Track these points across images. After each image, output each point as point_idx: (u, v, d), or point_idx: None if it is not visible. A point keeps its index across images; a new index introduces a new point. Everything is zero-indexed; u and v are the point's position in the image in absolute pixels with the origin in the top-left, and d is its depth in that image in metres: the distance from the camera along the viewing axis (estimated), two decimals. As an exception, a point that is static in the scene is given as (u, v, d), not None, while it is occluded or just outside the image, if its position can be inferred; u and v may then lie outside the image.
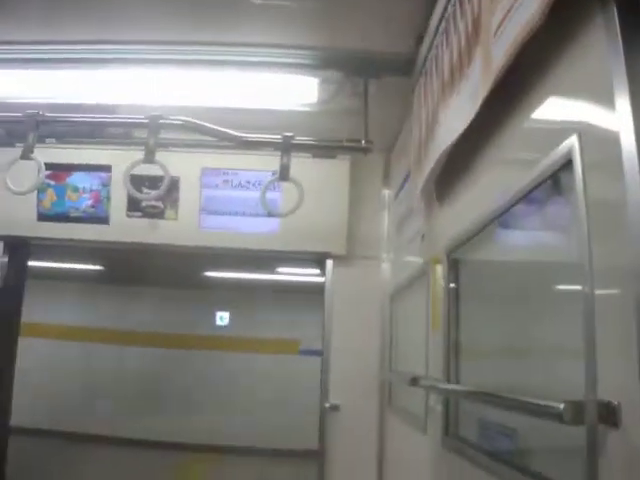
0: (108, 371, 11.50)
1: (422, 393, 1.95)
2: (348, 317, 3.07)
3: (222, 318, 11.55)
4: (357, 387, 2.98)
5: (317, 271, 3.22)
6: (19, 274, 3.72)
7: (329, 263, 3.15)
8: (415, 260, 2.27)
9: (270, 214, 3.23)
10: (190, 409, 11.29)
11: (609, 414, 0.78)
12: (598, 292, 0.90)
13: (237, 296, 11.22)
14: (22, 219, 3.17)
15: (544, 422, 1.06)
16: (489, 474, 1.22)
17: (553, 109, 1.29)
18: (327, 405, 2.92)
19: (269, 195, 3.13)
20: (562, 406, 0.77)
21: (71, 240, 3.23)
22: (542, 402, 0.84)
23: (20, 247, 3.39)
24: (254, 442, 10.82)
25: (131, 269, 9.99)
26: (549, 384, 1.07)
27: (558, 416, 0.78)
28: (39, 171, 3.14)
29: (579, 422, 0.81)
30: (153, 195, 3.29)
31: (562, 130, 1.17)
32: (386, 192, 3.61)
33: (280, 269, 9.25)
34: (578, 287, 0.94)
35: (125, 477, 8.74)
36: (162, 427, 11.06)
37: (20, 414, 7.55)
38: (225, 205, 3.57)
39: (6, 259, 3.28)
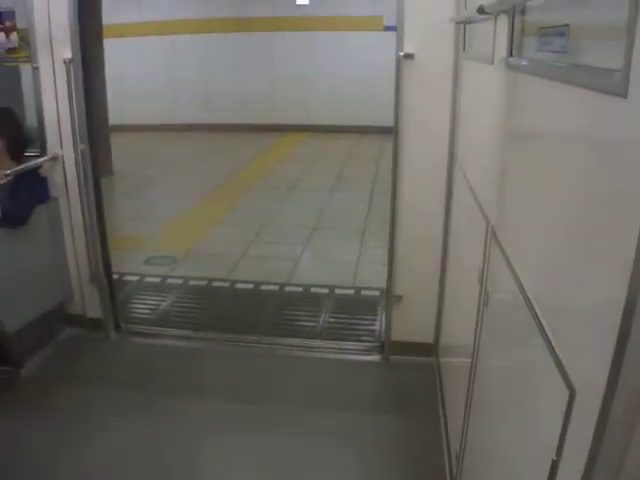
0: (193, 63, 11.72)
1: (492, 29, 1.91)
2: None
3: (302, -4, 11.17)
4: (432, 35, 2.88)
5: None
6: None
7: None
8: None
9: None
10: (276, 93, 11.56)
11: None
12: None
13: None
14: None
15: (593, 3, 1.04)
16: (548, 79, 1.24)
17: None
18: (401, 54, 2.89)
19: None
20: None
21: None
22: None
23: None
24: (340, 121, 11.18)
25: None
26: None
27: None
28: None
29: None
30: None
31: None
32: None
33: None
34: None
35: (225, 156, 9.38)
36: (251, 112, 11.48)
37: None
38: None
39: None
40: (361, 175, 8.16)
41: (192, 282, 4.50)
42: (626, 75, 0.79)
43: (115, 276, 3.91)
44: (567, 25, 1.15)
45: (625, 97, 0.79)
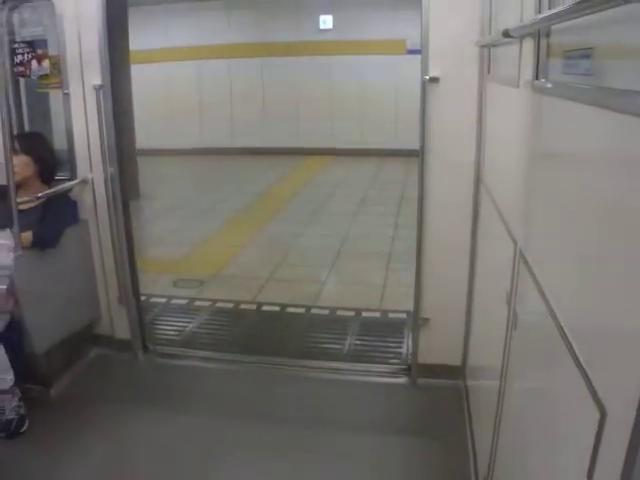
0: (219, 88, 11.87)
1: (517, 52, 1.93)
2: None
3: (325, 22, 11.28)
4: (456, 59, 2.90)
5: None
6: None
7: None
8: None
9: None
10: (301, 117, 11.65)
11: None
12: None
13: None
14: None
15: (618, 27, 1.04)
16: (573, 101, 1.25)
17: None
18: (426, 77, 2.91)
19: None
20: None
21: None
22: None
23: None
24: (365, 145, 11.24)
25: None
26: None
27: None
28: None
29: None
30: None
31: None
32: None
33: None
34: None
35: (250, 180, 9.48)
36: (275, 136, 11.58)
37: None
38: None
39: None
40: (386, 198, 8.18)
41: (219, 304, 4.53)
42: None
43: (143, 298, 3.95)
44: (592, 48, 1.16)
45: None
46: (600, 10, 0.96)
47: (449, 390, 3.29)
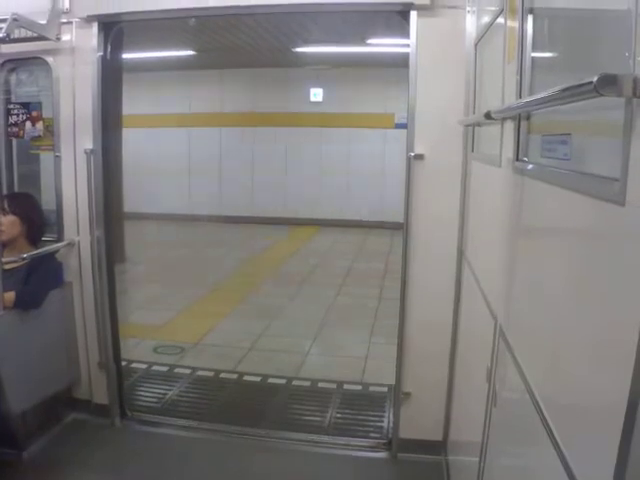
0: (208, 156, 12.01)
1: (499, 133, 2.00)
2: (434, 70, 3.00)
3: (316, 94, 11.55)
4: (441, 137, 3.00)
5: (406, 41, 3.06)
6: (116, 61, 3.72)
7: (413, 15, 3.03)
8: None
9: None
10: (288, 187, 11.79)
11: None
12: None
13: (330, 73, 11.13)
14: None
15: (593, 114, 1.09)
16: (551, 184, 1.29)
17: None
18: (412, 154, 2.99)
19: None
20: (595, 78, 0.79)
21: (165, 11, 3.20)
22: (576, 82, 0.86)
23: (113, 28, 3.39)
24: (350, 216, 11.38)
25: (222, 51, 9.99)
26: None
27: (592, 89, 0.79)
28: None
29: (613, 92, 0.82)
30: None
31: None
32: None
33: (370, 40, 8.93)
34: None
35: (236, 248, 9.52)
36: (262, 206, 11.68)
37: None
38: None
39: (102, 41, 3.33)
40: (371, 270, 8.22)
41: (199, 372, 4.47)
42: (623, 184, 0.84)
43: (123, 363, 3.90)
44: (569, 134, 1.21)
45: (623, 205, 0.84)
46: (576, 100, 1.01)
47: (430, 465, 3.25)
